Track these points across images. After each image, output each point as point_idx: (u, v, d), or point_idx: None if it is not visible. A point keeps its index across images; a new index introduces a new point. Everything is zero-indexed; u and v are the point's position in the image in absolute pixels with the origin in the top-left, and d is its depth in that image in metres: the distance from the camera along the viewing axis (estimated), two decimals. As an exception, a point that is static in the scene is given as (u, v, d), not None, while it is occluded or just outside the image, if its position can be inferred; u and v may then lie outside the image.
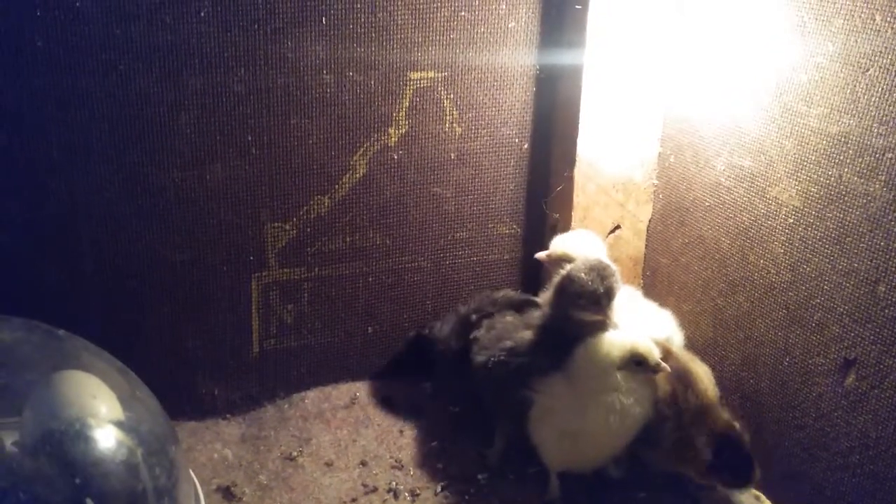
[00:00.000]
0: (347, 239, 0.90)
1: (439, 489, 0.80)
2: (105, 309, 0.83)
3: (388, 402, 0.92)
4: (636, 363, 0.73)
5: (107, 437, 0.53)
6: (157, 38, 0.77)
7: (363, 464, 0.83)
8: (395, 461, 0.84)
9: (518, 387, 0.77)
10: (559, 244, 0.86)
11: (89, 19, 0.75)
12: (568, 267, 0.78)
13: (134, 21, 0.76)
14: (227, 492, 0.78)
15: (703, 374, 0.79)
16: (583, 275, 0.75)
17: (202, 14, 0.78)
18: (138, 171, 0.80)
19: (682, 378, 0.77)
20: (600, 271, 0.75)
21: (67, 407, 0.54)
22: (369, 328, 0.94)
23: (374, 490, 0.80)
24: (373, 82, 0.85)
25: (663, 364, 0.73)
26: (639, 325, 0.80)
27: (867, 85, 0.67)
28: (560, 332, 0.77)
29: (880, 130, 0.66)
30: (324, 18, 0.82)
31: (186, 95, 0.80)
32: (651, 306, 0.87)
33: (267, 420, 0.89)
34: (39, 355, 0.57)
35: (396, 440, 0.87)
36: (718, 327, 0.84)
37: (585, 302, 0.75)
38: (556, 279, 0.79)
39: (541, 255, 0.87)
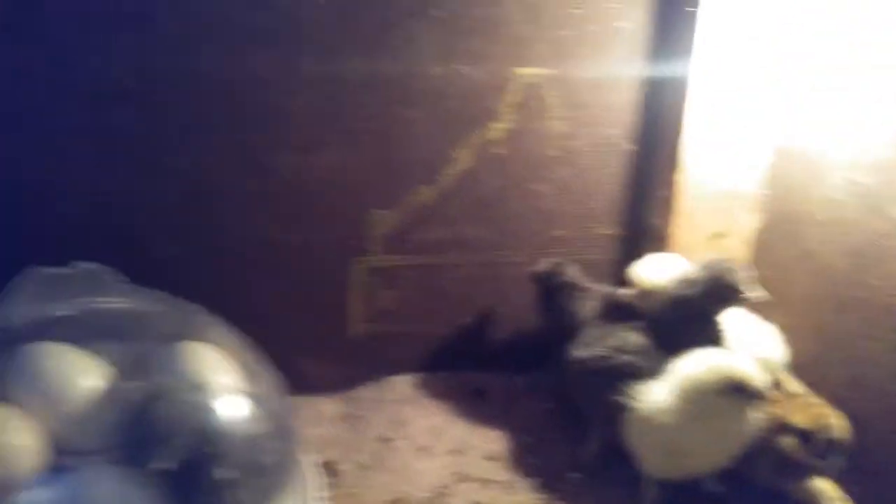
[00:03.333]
0: (448, 229, 0.91)
1: (531, 484, 0.81)
2: (213, 284, 0.84)
3: (480, 393, 0.94)
4: (736, 390, 0.71)
5: (235, 408, 0.55)
6: (277, 23, 0.80)
7: (456, 452, 0.85)
8: (488, 452, 0.85)
9: (617, 390, 0.77)
10: (649, 275, 0.85)
11: (210, 1, 0.78)
12: (716, 261, 0.79)
13: (254, 5, 0.79)
14: (330, 468, 0.80)
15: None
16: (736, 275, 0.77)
17: (322, 1, 0.80)
18: (254, 152, 0.83)
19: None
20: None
21: (198, 377, 0.57)
22: (465, 319, 0.96)
23: (467, 479, 0.81)
24: (480, 76, 0.86)
25: (766, 391, 0.71)
26: (743, 339, 0.80)
27: None
28: (672, 333, 0.78)
29: None
30: (437, 11, 0.83)
31: (302, 81, 0.82)
32: (755, 319, 0.85)
33: (363, 401, 0.91)
34: (172, 327, 0.60)
35: (488, 432, 0.88)
36: (824, 345, 0.83)
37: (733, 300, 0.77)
38: (699, 269, 0.79)
39: (628, 293, 0.86)
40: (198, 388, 0.55)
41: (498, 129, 0.89)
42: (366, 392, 0.93)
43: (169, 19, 0.77)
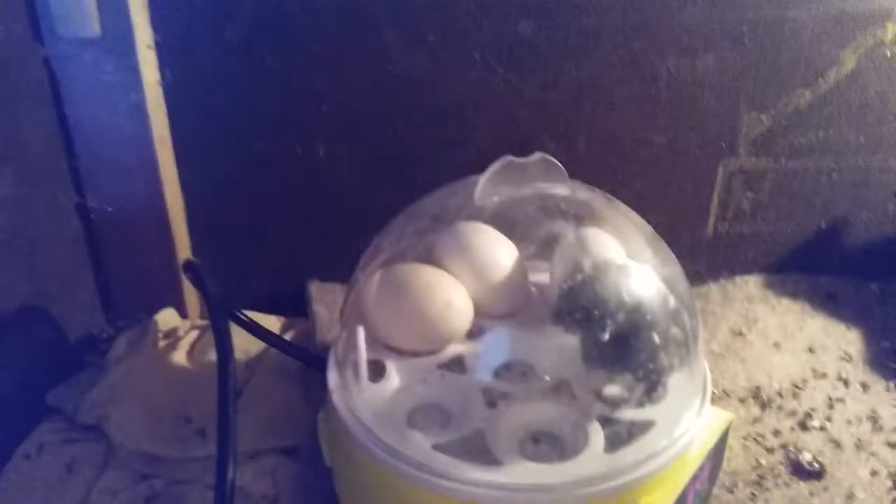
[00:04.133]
0: (820, 134, 0.90)
1: (892, 386, 0.82)
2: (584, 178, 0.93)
3: (832, 297, 0.95)
4: None
5: (656, 284, 0.62)
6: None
7: (810, 350, 0.87)
8: (843, 353, 0.86)
9: None
10: None
11: None
12: None
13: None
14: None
15: None
16: None
17: None
18: (639, 57, 0.86)
19: None
20: None
21: (617, 257, 0.65)
22: (823, 223, 0.95)
23: (824, 376, 0.83)
24: (879, -27, 0.83)
25: None
26: None
27: None
28: None
29: None
30: None
31: (698, -16, 0.85)
32: None
33: (712, 297, 0.96)
34: (590, 210, 0.68)
35: (844, 334, 0.89)
36: None
37: None
38: None
39: None
40: (621, 265, 0.63)
41: (890, 29, 0.85)
42: (714, 289, 0.97)
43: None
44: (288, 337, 0.90)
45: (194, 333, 0.90)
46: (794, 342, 0.88)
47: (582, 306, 0.61)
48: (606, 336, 0.60)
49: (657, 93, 0.88)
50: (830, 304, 0.94)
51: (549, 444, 0.59)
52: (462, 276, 0.68)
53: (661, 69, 0.86)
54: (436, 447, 0.57)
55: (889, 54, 0.86)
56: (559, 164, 0.65)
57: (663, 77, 0.87)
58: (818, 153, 0.91)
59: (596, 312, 0.60)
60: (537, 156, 0.65)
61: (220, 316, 0.70)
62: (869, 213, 0.95)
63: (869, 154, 0.91)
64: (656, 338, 0.60)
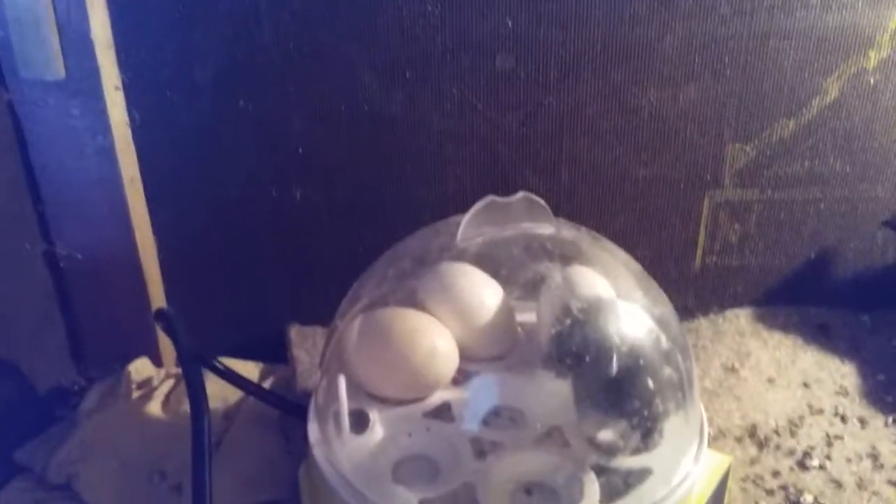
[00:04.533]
0: (806, 163, 0.89)
1: (890, 421, 0.79)
2: (570, 214, 0.85)
3: (824, 329, 0.93)
4: None
5: (647, 325, 0.59)
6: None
7: (805, 385, 0.85)
8: (839, 388, 0.84)
9: None
10: None
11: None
12: None
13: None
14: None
15: None
16: None
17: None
18: (620, 90, 0.84)
19: None
20: None
21: (608, 297, 0.62)
22: (811, 254, 0.94)
23: (821, 412, 0.81)
24: (860, 2, 0.82)
25: None
26: None
27: None
28: None
29: None
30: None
31: (675, 16, 0.82)
32: None
33: (703, 332, 0.93)
34: (574, 250, 0.66)
35: (838, 367, 0.87)
36: None
37: None
38: None
39: None
40: (611, 303, 0.61)
41: (873, 57, 0.84)
42: (704, 323, 0.95)
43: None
44: (267, 383, 0.87)
45: (169, 382, 0.86)
46: (789, 377, 0.86)
47: (573, 351, 0.59)
48: (601, 382, 0.58)
49: (639, 125, 0.86)
50: (822, 336, 0.92)
51: (542, 496, 0.56)
52: (446, 320, 0.65)
53: (643, 101, 0.85)
54: (423, 503, 0.54)
55: (872, 82, 0.85)
56: (543, 202, 0.63)
57: (645, 109, 0.85)
58: (804, 183, 0.90)
59: (588, 357, 0.58)
60: (520, 195, 0.62)
61: (192, 368, 0.67)
62: (857, 242, 0.93)
63: (855, 183, 0.90)
64: (651, 381, 0.58)
